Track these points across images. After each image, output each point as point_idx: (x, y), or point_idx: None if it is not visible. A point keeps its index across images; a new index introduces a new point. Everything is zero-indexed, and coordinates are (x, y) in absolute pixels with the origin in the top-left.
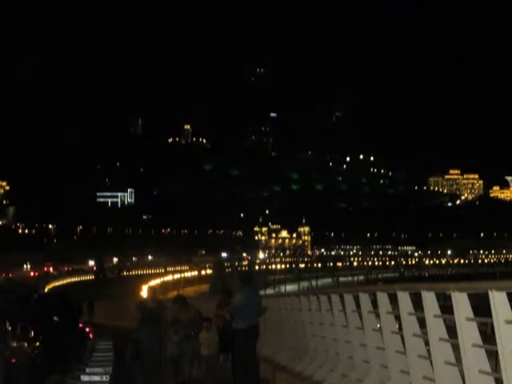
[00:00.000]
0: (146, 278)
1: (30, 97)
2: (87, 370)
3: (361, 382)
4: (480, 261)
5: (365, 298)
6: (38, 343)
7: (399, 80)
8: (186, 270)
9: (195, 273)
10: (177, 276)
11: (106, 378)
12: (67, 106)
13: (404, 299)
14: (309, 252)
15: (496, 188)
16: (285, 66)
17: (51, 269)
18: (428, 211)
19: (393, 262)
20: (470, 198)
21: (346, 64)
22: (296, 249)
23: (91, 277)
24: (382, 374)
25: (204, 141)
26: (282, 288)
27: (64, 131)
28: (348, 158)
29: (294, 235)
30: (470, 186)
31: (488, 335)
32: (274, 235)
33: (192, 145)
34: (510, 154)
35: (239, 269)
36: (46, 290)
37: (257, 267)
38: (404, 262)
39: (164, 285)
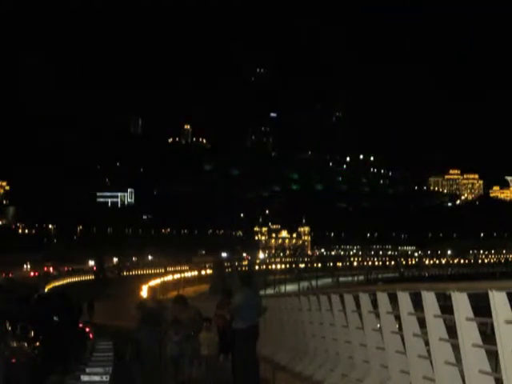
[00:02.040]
0: (145, 278)
1: (29, 97)
2: (87, 369)
3: (361, 382)
4: (480, 261)
5: (365, 298)
6: (38, 343)
7: (399, 80)
8: (186, 270)
9: (195, 273)
10: (177, 276)
11: (106, 378)
12: (67, 106)
13: (404, 299)
14: (309, 252)
15: (496, 188)
16: (285, 66)
17: (51, 269)
18: (428, 211)
19: (393, 262)
20: (469, 198)
21: (346, 64)
22: (296, 249)
23: (91, 277)
24: (381, 374)
25: (204, 141)
26: (282, 288)
27: (64, 131)
28: (348, 158)
29: (294, 235)
30: (470, 186)
31: (488, 335)
32: (274, 235)
33: (192, 145)
34: (510, 154)
35: (239, 269)
36: (46, 289)
37: (257, 267)
38: (404, 262)
39: (164, 285)
